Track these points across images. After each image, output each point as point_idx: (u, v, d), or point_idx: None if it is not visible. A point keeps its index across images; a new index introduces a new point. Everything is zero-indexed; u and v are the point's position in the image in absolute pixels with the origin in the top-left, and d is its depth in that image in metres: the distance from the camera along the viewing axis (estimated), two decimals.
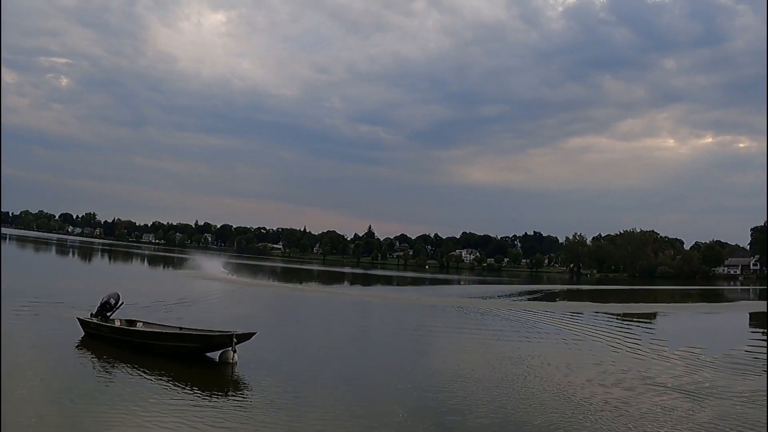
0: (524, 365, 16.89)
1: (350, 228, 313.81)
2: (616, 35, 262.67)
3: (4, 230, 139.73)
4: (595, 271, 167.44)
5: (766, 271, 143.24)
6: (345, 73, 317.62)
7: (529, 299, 48.50)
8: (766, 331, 31.27)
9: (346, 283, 69.34)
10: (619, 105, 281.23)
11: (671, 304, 51.85)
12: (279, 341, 19.09)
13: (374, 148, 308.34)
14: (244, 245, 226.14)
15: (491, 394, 13.31)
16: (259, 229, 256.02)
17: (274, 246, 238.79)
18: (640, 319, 32.60)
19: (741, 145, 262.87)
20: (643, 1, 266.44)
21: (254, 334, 14.90)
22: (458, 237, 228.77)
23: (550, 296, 56.02)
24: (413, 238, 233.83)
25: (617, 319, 32.17)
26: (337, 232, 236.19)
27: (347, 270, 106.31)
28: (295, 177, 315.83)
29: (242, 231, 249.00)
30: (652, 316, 36.93)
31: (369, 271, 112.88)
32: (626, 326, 28.63)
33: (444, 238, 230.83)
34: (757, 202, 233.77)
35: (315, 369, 15.08)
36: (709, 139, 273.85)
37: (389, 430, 10.46)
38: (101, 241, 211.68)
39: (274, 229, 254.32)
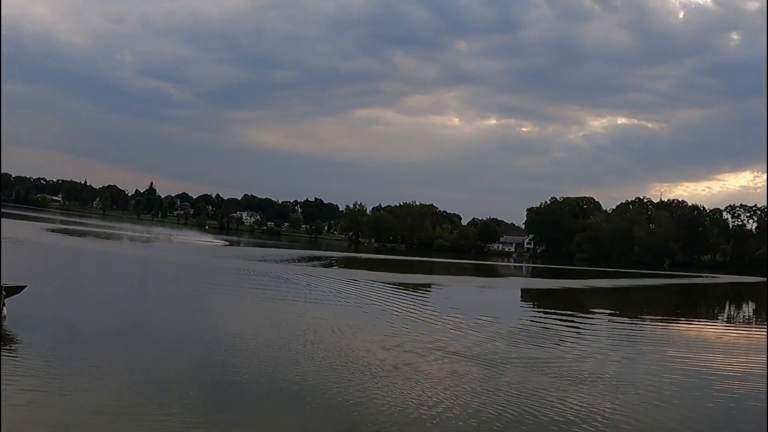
0: (307, 327, 17.53)
1: (133, 184, 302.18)
2: (413, 14, 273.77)
3: None
4: (373, 241, 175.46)
5: (538, 250, 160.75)
6: (139, 25, 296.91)
7: (309, 265, 49.70)
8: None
9: (125, 239, 66.51)
10: (409, 81, 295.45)
11: (447, 276, 56.36)
12: (53, 296, 18.66)
13: (163, 104, 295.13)
14: (23, 196, 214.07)
15: (271, 353, 13.71)
16: (39, 179, 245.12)
17: (54, 198, 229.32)
18: (417, 289, 35.04)
19: (524, 129, 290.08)
20: None
21: (25, 287, 14.49)
22: (240, 199, 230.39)
23: (330, 263, 57.82)
24: (195, 197, 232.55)
25: (395, 287, 34.27)
26: (119, 187, 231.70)
27: (126, 226, 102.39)
28: (81, 128, 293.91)
29: (21, 181, 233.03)
30: (428, 286, 39.90)
31: (149, 229, 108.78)
32: (404, 294, 30.68)
33: (226, 199, 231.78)
34: (534, 185, 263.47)
35: (91, 325, 14.89)
36: (493, 121, 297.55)
37: (159, 387, 10.49)
38: None
39: (54, 180, 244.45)
